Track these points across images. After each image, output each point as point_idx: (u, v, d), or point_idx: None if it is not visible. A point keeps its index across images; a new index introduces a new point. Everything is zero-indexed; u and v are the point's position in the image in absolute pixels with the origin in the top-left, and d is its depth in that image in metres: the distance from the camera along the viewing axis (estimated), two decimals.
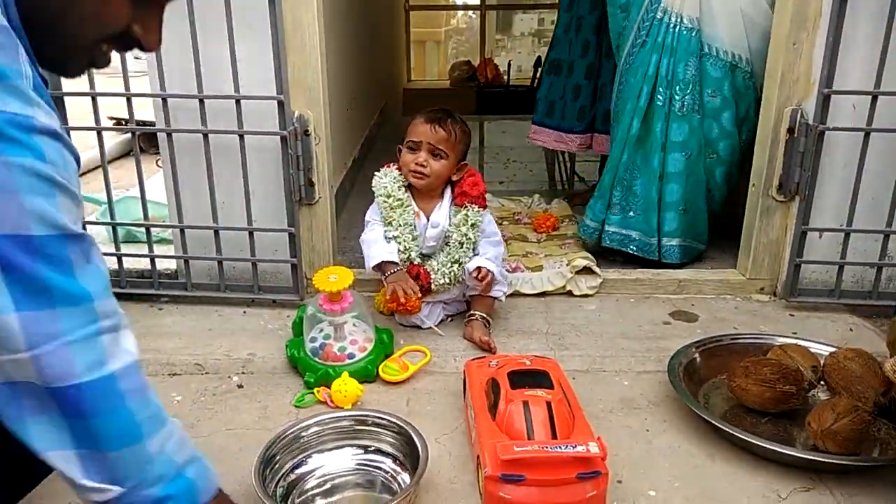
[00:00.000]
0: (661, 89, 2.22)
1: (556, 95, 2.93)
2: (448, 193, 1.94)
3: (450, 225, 1.92)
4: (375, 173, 1.94)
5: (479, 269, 1.86)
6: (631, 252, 2.34)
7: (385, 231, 1.90)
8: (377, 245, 1.88)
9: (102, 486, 0.74)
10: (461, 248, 1.90)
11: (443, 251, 1.93)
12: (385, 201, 1.90)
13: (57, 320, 0.69)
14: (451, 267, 1.90)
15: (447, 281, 1.91)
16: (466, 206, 1.90)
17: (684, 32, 2.19)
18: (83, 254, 0.72)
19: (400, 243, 1.89)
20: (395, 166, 1.93)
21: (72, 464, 0.72)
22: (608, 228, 2.37)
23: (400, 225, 1.89)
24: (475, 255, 1.93)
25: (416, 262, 1.90)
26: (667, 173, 2.27)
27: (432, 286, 1.91)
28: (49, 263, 0.68)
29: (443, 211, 1.92)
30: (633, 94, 2.26)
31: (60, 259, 0.69)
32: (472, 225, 1.89)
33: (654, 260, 2.32)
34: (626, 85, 2.31)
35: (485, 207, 1.93)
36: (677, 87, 2.22)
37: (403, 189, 1.91)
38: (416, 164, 1.85)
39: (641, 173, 2.30)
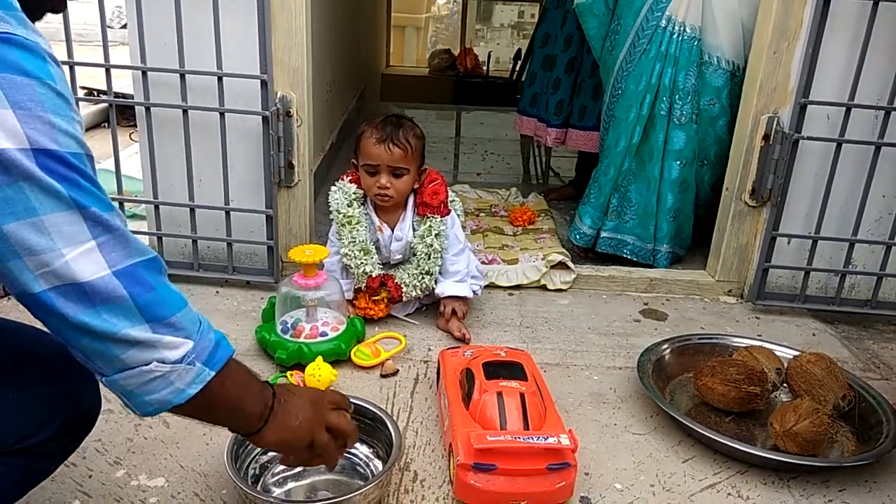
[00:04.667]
0: (664, 98, 2.23)
1: (540, 88, 2.95)
2: (411, 202, 1.91)
3: (413, 236, 1.90)
4: (332, 188, 1.91)
5: (451, 307, 1.88)
6: (625, 256, 2.37)
7: (339, 246, 1.89)
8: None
9: (179, 340, 0.83)
10: (429, 259, 1.88)
11: (410, 262, 1.92)
12: (336, 217, 1.88)
13: (104, 221, 0.78)
14: (423, 279, 1.89)
15: (419, 293, 1.91)
16: (429, 217, 1.87)
17: (686, 41, 2.20)
18: (94, 170, 0.81)
19: (351, 260, 1.87)
20: (350, 178, 1.90)
21: (147, 332, 0.81)
22: (603, 234, 2.39)
23: (350, 241, 1.86)
24: (441, 268, 1.92)
25: (375, 275, 1.88)
26: (663, 181, 2.29)
27: (403, 297, 1.91)
28: (83, 177, 0.77)
29: (406, 223, 1.90)
30: (636, 103, 2.26)
31: (90, 175, 0.78)
32: (437, 235, 1.87)
33: (642, 264, 2.36)
34: (624, 91, 2.30)
35: (447, 214, 1.90)
36: (678, 97, 2.23)
37: (356, 204, 1.88)
38: (379, 186, 1.81)
39: (637, 180, 2.33)
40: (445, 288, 1.90)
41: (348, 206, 1.87)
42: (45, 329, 0.95)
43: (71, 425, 1.02)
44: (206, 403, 0.88)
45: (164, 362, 0.82)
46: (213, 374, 0.87)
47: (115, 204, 0.84)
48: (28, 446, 0.96)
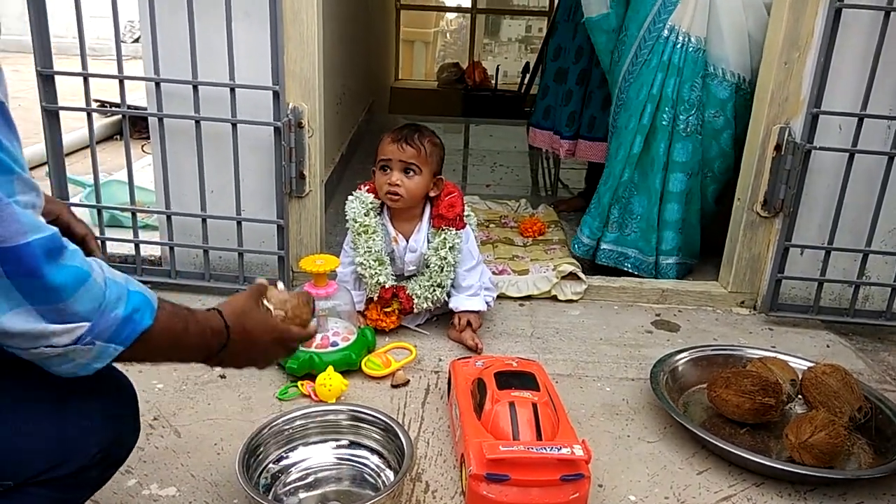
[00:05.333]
0: (666, 109, 2.22)
1: (554, 100, 2.96)
2: (427, 214, 1.91)
3: (428, 248, 1.89)
4: (349, 197, 1.91)
5: (466, 319, 1.88)
6: (626, 270, 2.35)
7: (354, 256, 1.88)
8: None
9: (69, 325, 0.77)
10: (442, 272, 1.87)
11: (423, 274, 1.91)
12: (353, 226, 1.88)
13: None
14: (434, 291, 1.89)
15: (430, 305, 1.91)
16: (444, 230, 1.86)
17: (691, 52, 2.19)
18: (6, 122, 0.73)
19: (366, 269, 1.86)
20: (367, 188, 1.90)
21: (32, 318, 0.75)
22: (603, 246, 2.37)
23: (366, 251, 1.86)
24: (454, 282, 1.91)
25: (388, 286, 1.87)
26: (667, 192, 2.28)
27: (414, 309, 1.90)
28: None
29: (421, 234, 1.90)
30: (636, 113, 2.25)
31: None
32: (451, 248, 1.86)
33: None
34: (626, 101, 2.30)
35: (463, 228, 1.89)
36: (682, 108, 2.22)
37: (373, 214, 1.88)
38: (389, 184, 1.81)
39: (639, 191, 2.32)
40: (460, 303, 1.89)
41: (365, 216, 1.86)
42: None
43: (106, 452, 0.94)
44: (132, 360, 0.86)
45: (55, 346, 0.77)
46: (120, 349, 0.82)
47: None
48: (58, 476, 0.88)
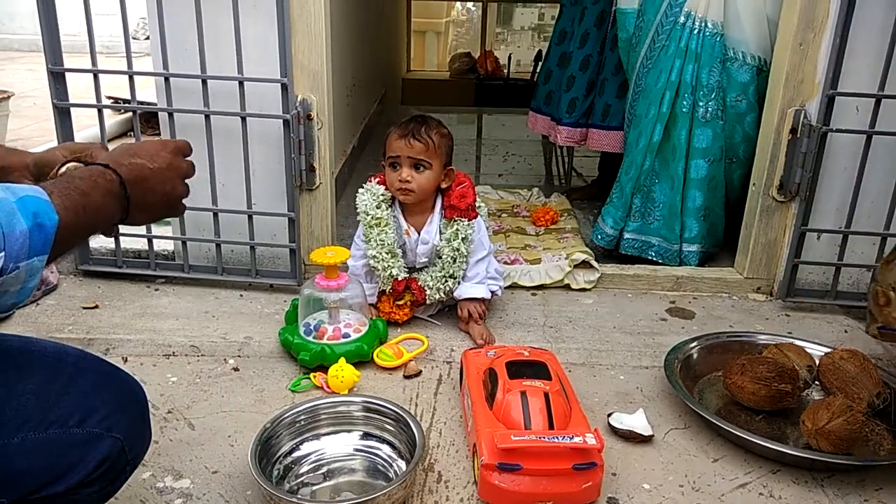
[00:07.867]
0: (685, 95, 2.20)
1: (555, 85, 2.93)
2: (438, 205, 1.89)
3: (440, 240, 1.88)
4: (359, 189, 1.90)
5: (466, 309, 1.87)
6: (650, 258, 2.33)
7: (366, 249, 1.88)
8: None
9: None
10: (454, 263, 1.86)
11: (435, 265, 1.90)
12: (364, 219, 1.86)
13: None
14: (447, 282, 1.88)
15: (442, 296, 1.90)
16: (456, 221, 1.85)
17: (709, 37, 2.16)
18: None
19: (378, 262, 1.85)
20: (378, 180, 1.89)
21: None
22: (626, 235, 2.35)
23: (378, 244, 1.84)
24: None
25: (401, 278, 1.87)
26: (689, 180, 2.25)
27: (427, 300, 1.90)
28: None
29: (433, 226, 1.88)
30: (655, 100, 2.23)
31: None
32: (464, 239, 1.85)
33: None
34: (644, 88, 2.28)
35: (475, 218, 1.88)
36: (701, 94, 2.19)
37: (385, 206, 1.86)
38: (400, 181, 1.80)
39: (661, 179, 2.29)
40: (463, 290, 1.89)
41: (377, 208, 1.85)
42: (89, 352, 0.89)
43: (107, 467, 0.88)
44: (59, 255, 0.80)
45: None
46: (44, 257, 0.75)
47: None
48: (56, 493, 0.83)
